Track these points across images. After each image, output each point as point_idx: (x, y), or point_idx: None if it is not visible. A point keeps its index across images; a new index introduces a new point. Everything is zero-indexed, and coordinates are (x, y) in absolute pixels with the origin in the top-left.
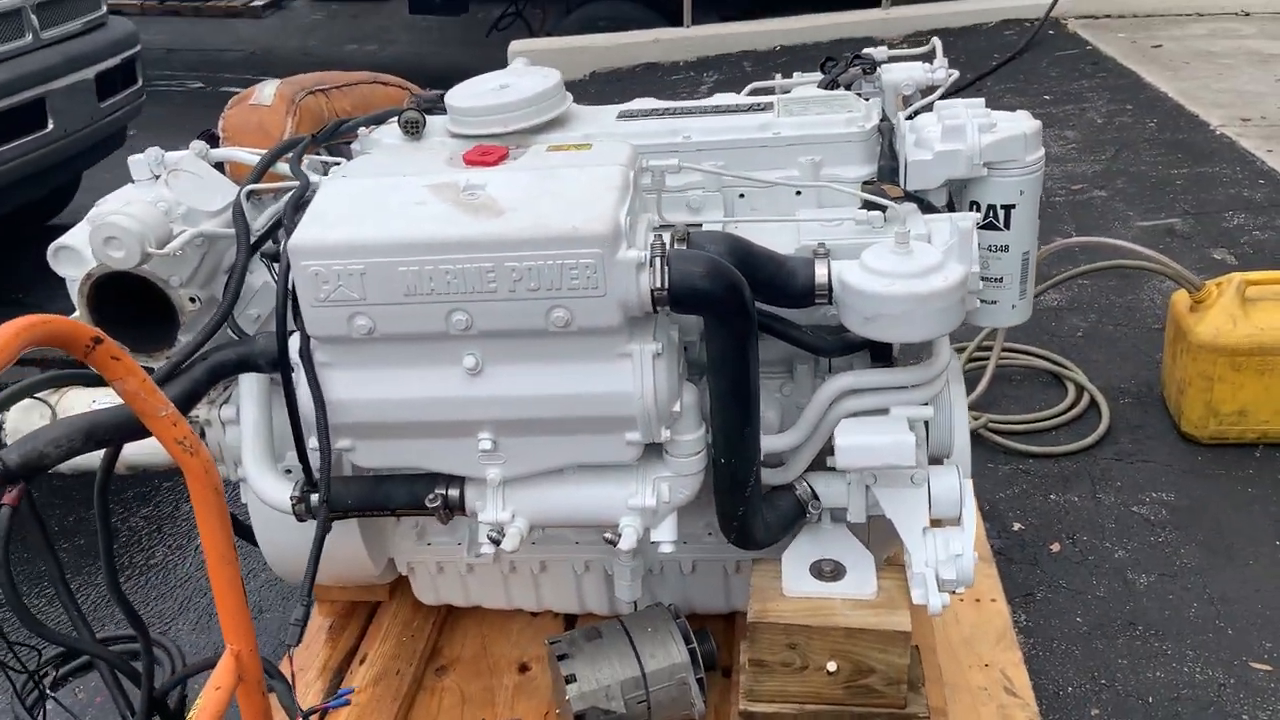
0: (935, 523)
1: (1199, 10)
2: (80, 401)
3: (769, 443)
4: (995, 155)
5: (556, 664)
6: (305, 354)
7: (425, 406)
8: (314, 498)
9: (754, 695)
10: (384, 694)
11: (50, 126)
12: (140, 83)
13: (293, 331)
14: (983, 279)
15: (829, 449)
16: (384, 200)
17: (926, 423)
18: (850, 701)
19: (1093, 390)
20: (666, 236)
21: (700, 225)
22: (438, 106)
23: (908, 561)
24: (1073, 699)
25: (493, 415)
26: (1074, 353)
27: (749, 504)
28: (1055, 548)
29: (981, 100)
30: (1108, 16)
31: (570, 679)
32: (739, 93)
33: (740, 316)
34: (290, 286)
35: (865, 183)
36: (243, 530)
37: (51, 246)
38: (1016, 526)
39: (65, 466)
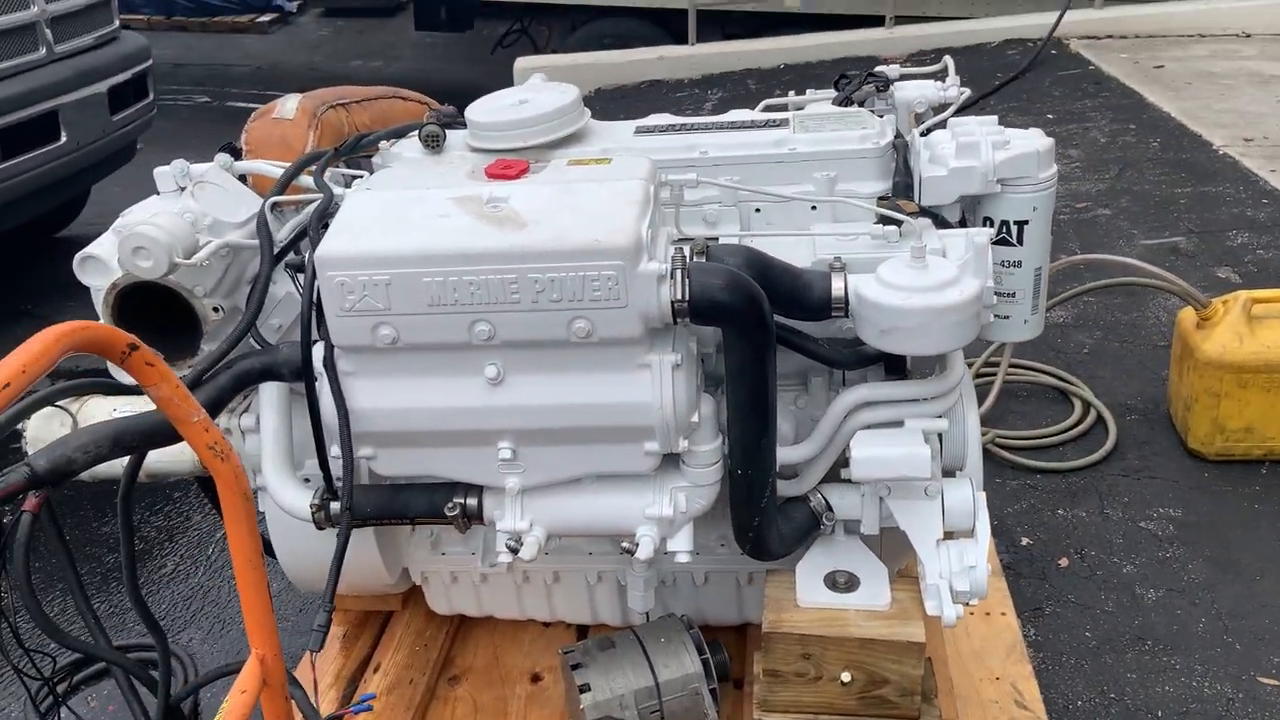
0: (948, 535)
1: (1200, 31)
2: (101, 410)
3: (784, 454)
4: (1009, 172)
5: (570, 673)
6: (329, 363)
7: (446, 415)
8: (334, 506)
9: (768, 705)
10: (397, 703)
11: (63, 139)
12: (151, 97)
13: (316, 341)
14: (996, 294)
15: (843, 461)
16: (409, 212)
17: (940, 435)
18: (864, 712)
19: (1099, 406)
20: (686, 249)
21: (717, 239)
22: (456, 121)
23: (921, 573)
24: (1083, 713)
25: (513, 424)
26: (1080, 369)
27: (764, 515)
28: (1063, 562)
29: (994, 118)
30: (1109, 37)
31: (584, 688)
32: (752, 109)
33: (759, 328)
34: (315, 296)
35: (880, 198)
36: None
37: (77, 256)
38: (1025, 541)
39: (87, 474)
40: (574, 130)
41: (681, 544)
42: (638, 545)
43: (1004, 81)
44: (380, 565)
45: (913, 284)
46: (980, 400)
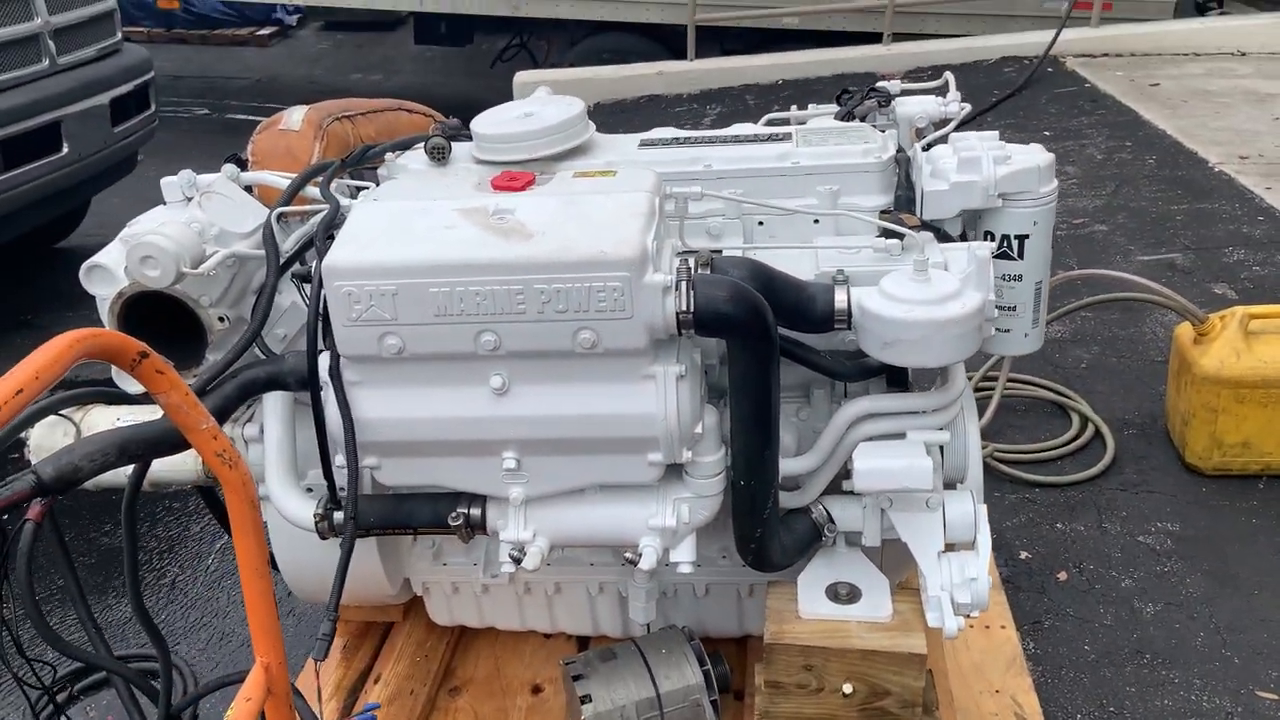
0: (949, 547)
1: (1195, 50)
2: (104, 419)
3: (786, 466)
4: (1010, 186)
5: (572, 684)
6: (335, 373)
7: (451, 425)
8: (337, 515)
9: (770, 716)
10: (398, 714)
11: (65, 150)
12: (153, 108)
13: (322, 351)
14: (997, 307)
15: (845, 473)
16: (415, 223)
17: (942, 447)
18: None
19: (1097, 421)
20: (691, 261)
21: (721, 251)
22: (461, 134)
23: (922, 585)
24: None
25: (518, 434)
26: (1078, 384)
27: (767, 526)
28: (1062, 576)
29: (995, 133)
30: (1105, 55)
31: (586, 699)
32: (753, 124)
33: (763, 340)
34: (322, 306)
35: (882, 212)
36: None
37: (84, 265)
38: (1024, 555)
39: (90, 482)
40: (579, 143)
41: (684, 555)
42: (640, 556)
43: (1001, 98)
44: (382, 575)
45: (915, 297)
46: (978, 414)
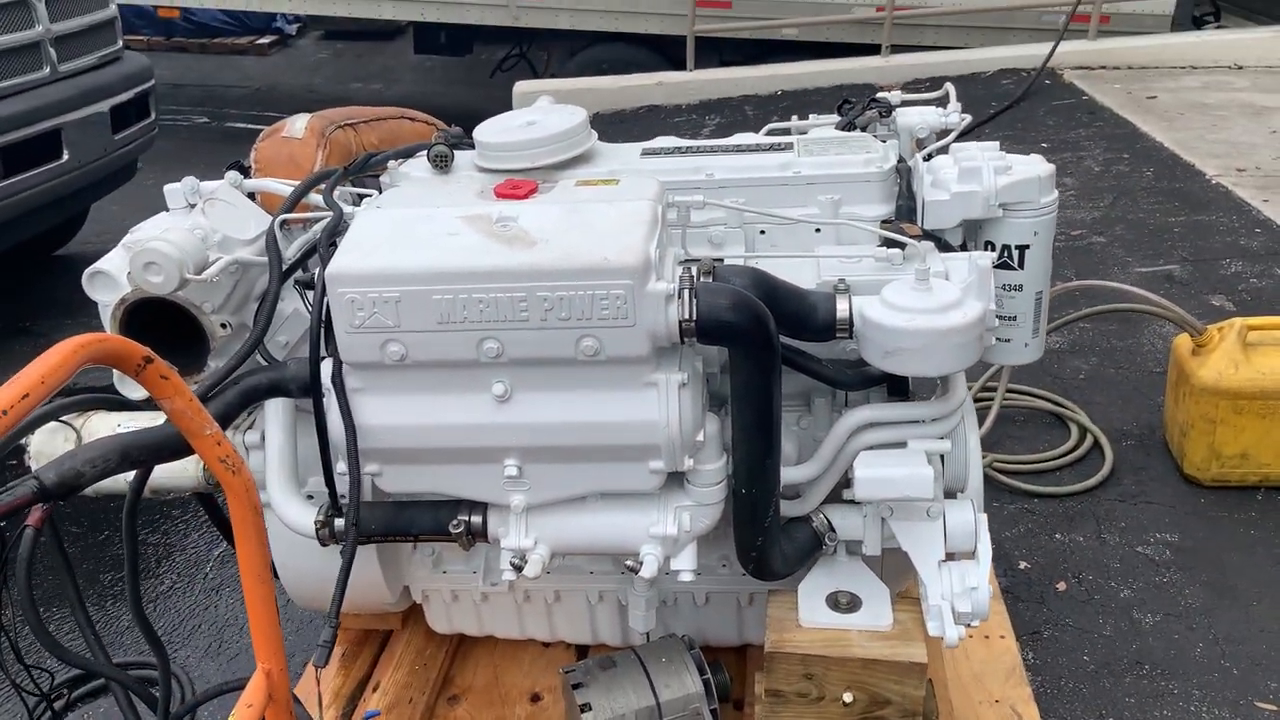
0: (949, 556)
1: (1192, 63)
2: (104, 425)
3: (787, 474)
4: (1010, 197)
5: (571, 693)
6: (337, 379)
7: (454, 432)
8: (338, 522)
9: None
10: None
11: (65, 157)
12: (153, 116)
13: (324, 357)
14: (998, 317)
15: (845, 481)
16: (418, 230)
17: (943, 456)
18: None
19: (1096, 432)
20: (693, 269)
21: (723, 260)
22: (464, 142)
23: (923, 594)
24: None
25: (520, 442)
26: (1076, 394)
27: (768, 535)
28: (1061, 587)
29: (996, 144)
30: (1103, 68)
31: (585, 708)
32: (755, 134)
33: (765, 349)
34: (325, 313)
35: (884, 221)
36: None
37: (87, 272)
38: (1023, 565)
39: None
40: (582, 151)
41: (685, 563)
42: (641, 564)
43: (999, 110)
44: (381, 583)
45: (917, 306)
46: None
